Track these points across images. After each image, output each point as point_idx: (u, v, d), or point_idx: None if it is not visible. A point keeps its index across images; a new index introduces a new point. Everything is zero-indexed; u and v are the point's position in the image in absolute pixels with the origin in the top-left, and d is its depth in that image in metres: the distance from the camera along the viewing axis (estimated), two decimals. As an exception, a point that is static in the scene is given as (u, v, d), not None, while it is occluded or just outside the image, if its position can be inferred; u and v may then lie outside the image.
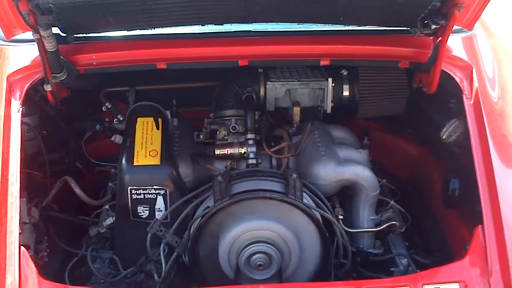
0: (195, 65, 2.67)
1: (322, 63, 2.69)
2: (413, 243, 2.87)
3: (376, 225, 2.74)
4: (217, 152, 2.77)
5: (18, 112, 2.42)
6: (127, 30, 2.61)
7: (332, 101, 2.90)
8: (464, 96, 2.59)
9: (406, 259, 2.67)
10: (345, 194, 2.77)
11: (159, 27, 2.60)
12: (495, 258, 2.18)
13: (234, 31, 2.68)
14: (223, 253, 2.39)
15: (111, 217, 2.68)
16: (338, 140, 2.98)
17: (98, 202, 2.84)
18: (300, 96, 2.90)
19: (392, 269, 2.66)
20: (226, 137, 2.84)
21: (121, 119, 3.01)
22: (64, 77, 2.53)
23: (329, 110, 2.92)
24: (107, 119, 3.08)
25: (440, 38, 2.55)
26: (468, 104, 2.58)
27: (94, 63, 2.60)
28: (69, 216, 2.88)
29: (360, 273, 2.63)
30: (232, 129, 2.84)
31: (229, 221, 2.39)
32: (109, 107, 3.04)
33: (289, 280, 2.43)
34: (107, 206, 2.76)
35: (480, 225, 2.27)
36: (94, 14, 2.33)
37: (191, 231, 2.44)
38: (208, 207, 2.43)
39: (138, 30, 2.61)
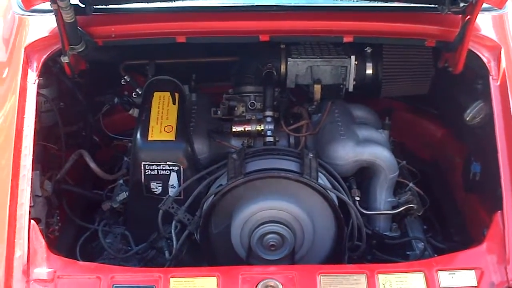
0: (215, 39, 2.61)
1: (346, 39, 2.61)
2: (431, 226, 2.82)
3: (393, 208, 2.69)
4: (234, 129, 2.73)
5: (34, 83, 2.39)
6: (147, 2, 2.56)
7: (354, 79, 2.84)
8: (490, 77, 2.50)
9: (422, 243, 2.62)
10: (363, 175, 2.71)
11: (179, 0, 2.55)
12: None
13: (256, 5, 2.62)
14: (235, 232, 2.35)
15: (124, 192, 2.66)
16: (359, 120, 2.92)
17: (112, 176, 2.82)
18: (322, 73, 2.84)
19: (408, 252, 2.62)
20: (244, 114, 2.80)
21: (140, 92, 2.97)
22: (82, 48, 2.49)
23: (351, 88, 2.86)
24: (125, 93, 3.04)
25: (468, 17, 2.45)
26: (494, 85, 2.49)
27: (113, 35, 2.55)
28: (83, 190, 2.87)
29: (375, 256, 2.58)
30: (251, 106, 2.80)
31: (242, 200, 2.35)
32: (128, 80, 3.00)
33: (302, 262, 2.39)
34: (121, 181, 2.75)
35: (499, 211, 2.20)
36: None
37: (203, 209, 2.41)
38: (221, 185, 2.39)
39: (158, 3, 2.56)
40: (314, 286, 2.06)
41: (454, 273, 2.11)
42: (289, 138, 2.81)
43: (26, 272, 2.03)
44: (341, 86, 2.86)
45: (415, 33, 2.63)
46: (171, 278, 2.06)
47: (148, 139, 2.56)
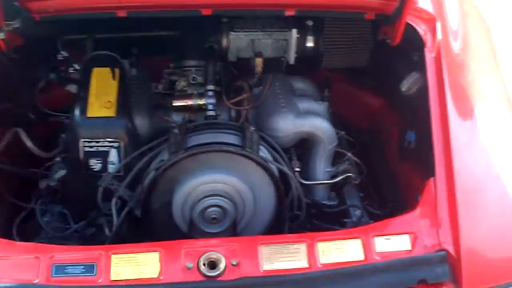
0: (157, 13, 2.57)
1: (287, 13, 2.63)
2: (368, 194, 2.89)
3: (332, 177, 2.74)
4: (175, 103, 2.72)
5: None
6: None
7: (295, 52, 2.87)
8: (426, 49, 2.58)
9: (359, 210, 2.69)
10: (303, 147, 2.75)
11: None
12: (445, 210, 2.20)
13: None
14: (177, 207, 2.37)
15: (62, 170, 2.62)
16: (299, 92, 2.95)
17: (49, 154, 2.75)
18: (263, 46, 2.85)
19: (345, 220, 2.68)
20: (185, 88, 2.79)
21: (78, 68, 2.93)
22: (19, 25, 2.44)
23: (292, 61, 2.89)
24: (62, 68, 3.00)
25: None
26: (429, 57, 2.58)
27: (51, 10, 2.49)
28: (19, 168, 2.82)
29: (314, 225, 2.64)
30: (192, 80, 2.79)
31: (184, 174, 2.37)
32: (66, 55, 2.95)
33: (243, 233, 2.43)
34: (58, 159, 2.69)
35: (432, 178, 2.28)
36: None
37: (144, 184, 2.41)
38: (163, 160, 2.40)
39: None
40: (255, 257, 2.10)
41: (390, 238, 2.18)
42: (230, 112, 2.82)
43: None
44: (282, 59, 2.89)
45: (355, 7, 2.66)
46: (112, 255, 2.06)
47: (87, 116, 2.53)
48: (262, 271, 2.07)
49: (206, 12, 2.58)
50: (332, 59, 2.93)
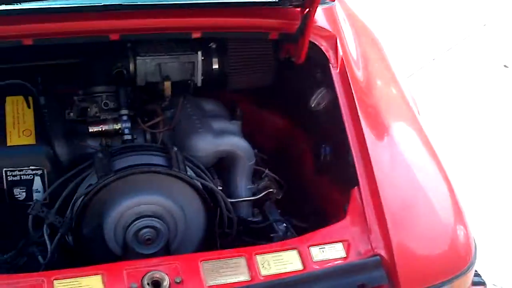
0: (64, 40, 2.56)
1: (194, 35, 2.69)
2: (286, 210, 2.96)
3: (254, 194, 2.80)
4: (91, 129, 2.69)
5: None
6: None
7: (202, 74, 2.91)
8: (330, 65, 2.72)
9: (284, 224, 2.76)
10: (222, 166, 2.80)
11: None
12: (373, 216, 2.30)
13: (104, 5, 2.58)
14: (109, 230, 2.34)
15: None
16: (210, 113, 2.99)
17: None
18: (170, 70, 2.87)
19: (272, 235, 2.74)
20: (98, 114, 2.77)
21: None
22: None
23: (199, 83, 2.92)
24: None
25: (308, 9, 2.64)
26: (334, 72, 2.72)
27: None
28: None
29: (242, 242, 2.67)
30: (105, 106, 2.77)
31: (114, 197, 2.34)
32: None
33: (176, 253, 2.43)
34: None
35: (356, 187, 2.39)
36: None
37: (74, 210, 2.36)
38: (91, 184, 2.36)
39: (3, 6, 2.45)
40: (198, 273, 2.10)
41: (324, 247, 2.25)
42: (145, 135, 2.82)
43: None
44: (189, 81, 2.92)
45: (260, 27, 2.77)
46: (54, 281, 1.99)
47: (7, 145, 2.46)
48: (206, 287, 2.09)
49: (114, 37, 2.59)
50: (237, 80, 3.00)
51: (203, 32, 2.70)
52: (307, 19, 2.64)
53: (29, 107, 2.60)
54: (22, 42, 2.48)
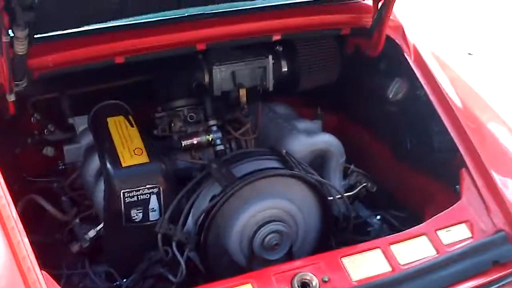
0: (154, 55, 2.54)
1: (275, 38, 2.71)
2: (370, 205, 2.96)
3: (347, 190, 2.81)
4: (184, 143, 2.67)
5: None
6: (81, 26, 2.43)
7: (273, 78, 2.91)
8: (405, 54, 2.74)
9: (378, 217, 2.77)
10: (314, 164, 2.78)
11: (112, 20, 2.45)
12: (487, 194, 2.34)
13: (188, 15, 2.61)
14: (234, 240, 2.31)
15: (93, 229, 2.47)
16: (284, 116, 2.98)
17: (68, 216, 2.61)
18: (243, 76, 2.86)
19: (369, 229, 2.75)
20: (183, 128, 2.75)
21: (52, 129, 2.79)
22: (26, 84, 2.29)
23: (271, 88, 2.92)
24: (35, 132, 2.83)
25: (382, 2, 2.66)
26: (410, 60, 2.74)
27: (51, 65, 2.37)
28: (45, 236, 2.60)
29: (345, 238, 2.66)
30: (190, 118, 2.75)
31: (238, 206, 2.31)
32: (38, 118, 2.79)
33: (297, 255, 2.41)
34: (77, 220, 2.55)
35: (464, 168, 2.42)
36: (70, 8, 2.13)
37: (201, 224, 2.32)
38: (215, 195, 2.32)
39: (92, 25, 2.44)
40: (341, 269, 2.11)
41: (450, 229, 2.28)
42: (230, 144, 2.81)
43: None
44: (261, 86, 2.91)
45: (336, 23, 2.79)
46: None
47: (122, 166, 2.40)
48: (354, 282, 2.08)
49: (200, 46, 2.60)
50: (307, 80, 3.00)
51: (284, 33, 2.72)
52: (383, 11, 2.66)
53: (132, 126, 2.55)
54: (114, 60, 2.47)
